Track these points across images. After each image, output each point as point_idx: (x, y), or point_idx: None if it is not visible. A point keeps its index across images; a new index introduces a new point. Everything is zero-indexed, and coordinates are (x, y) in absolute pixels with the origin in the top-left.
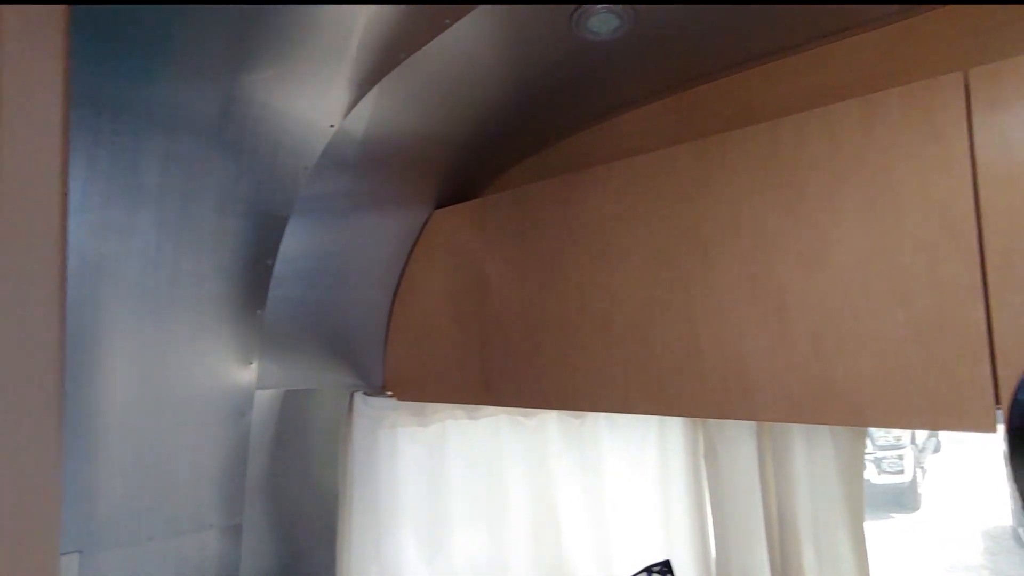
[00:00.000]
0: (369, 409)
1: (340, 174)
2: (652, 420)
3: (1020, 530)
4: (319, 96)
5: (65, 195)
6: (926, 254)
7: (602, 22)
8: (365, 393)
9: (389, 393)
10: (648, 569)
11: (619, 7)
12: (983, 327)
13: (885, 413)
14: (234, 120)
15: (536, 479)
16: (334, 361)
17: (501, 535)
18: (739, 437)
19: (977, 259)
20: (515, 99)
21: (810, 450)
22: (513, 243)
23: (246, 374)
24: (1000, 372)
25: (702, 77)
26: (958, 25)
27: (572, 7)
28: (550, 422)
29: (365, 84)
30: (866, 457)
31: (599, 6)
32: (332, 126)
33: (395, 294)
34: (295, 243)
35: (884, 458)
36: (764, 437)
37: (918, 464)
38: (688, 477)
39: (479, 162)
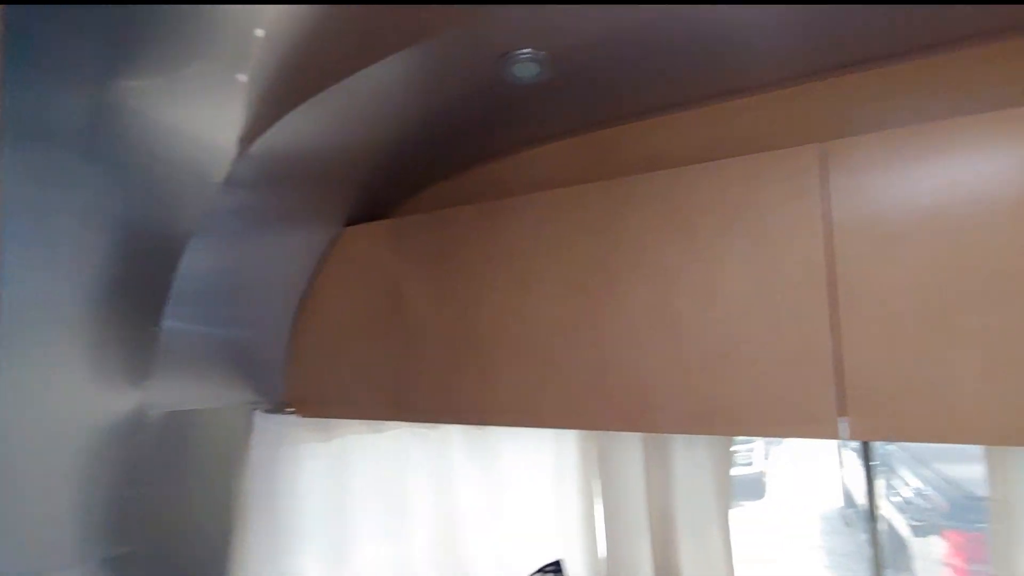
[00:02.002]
0: (270, 427)
1: (248, 191)
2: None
3: (847, 511)
4: (226, 112)
5: None
6: (792, 292)
7: (525, 69)
8: (266, 410)
9: (291, 410)
10: (542, 570)
11: (542, 54)
12: (833, 354)
13: (759, 424)
14: (111, 131)
15: (440, 489)
16: (234, 378)
17: (406, 546)
18: (628, 443)
19: (829, 298)
20: (434, 127)
21: (688, 452)
22: (430, 264)
23: (136, 395)
24: (846, 391)
25: (614, 121)
26: (822, 102)
27: (498, 53)
28: (454, 433)
29: (283, 106)
30: None
31: (523, 52)
32: (241, 143)
33: (300, 310)
34: (197, 259)
35: (737, 452)
36: (649, 442)
37: (765, 455)
38: (581, 481)
39: (393, 182)
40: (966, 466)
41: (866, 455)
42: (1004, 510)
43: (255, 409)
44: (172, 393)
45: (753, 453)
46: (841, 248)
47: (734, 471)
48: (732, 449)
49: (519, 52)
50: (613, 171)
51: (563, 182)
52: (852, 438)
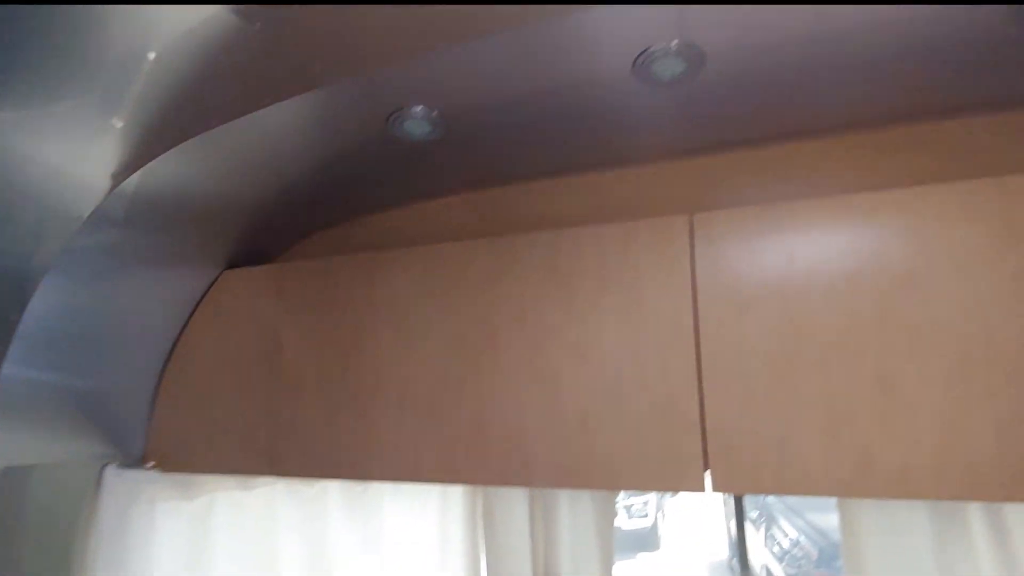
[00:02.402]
0: (123, 483)
1: (118, 229)
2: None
3: (732, 561)
4: (98, 146)
5: None
6: (662, 352)
7: (416, 126)
8: (120, 465)
9: (150, 464)
10: None
11: (434, 113)
12: (697, 410)
13: (633, 478)
14: None
15: (314, 551)
16: (85, 430)
17: None
18: (513, 498)
19: (694, 358)
20: (323, 176)
21: (572, 506)
22: (312, 312)
23: None
24: (708, 446)
25: (502, 181)
26: (692, 177)
27: (391, 109)
28: (331, 490)
29: (162, 143)
30: (618, 505)
31: (416, 108)
32: (114, 179)
33: (170, 356)
34: (51, 298)
35: (632, 505)
36: (535, 497)
37: (659, 508)
38: (466, 539)
39: (279, 227)
40: (832, 515)
41: (738, 507)
42: (856, 555)
43: (106, 464)
44: (8, 447)
45: (648, 506)
46: (704, 312)
47: (630, 524)
48: (628, 502)
49: (412, 109)
50: (499, 229)
51: (451, 236)
52: (715, 491)
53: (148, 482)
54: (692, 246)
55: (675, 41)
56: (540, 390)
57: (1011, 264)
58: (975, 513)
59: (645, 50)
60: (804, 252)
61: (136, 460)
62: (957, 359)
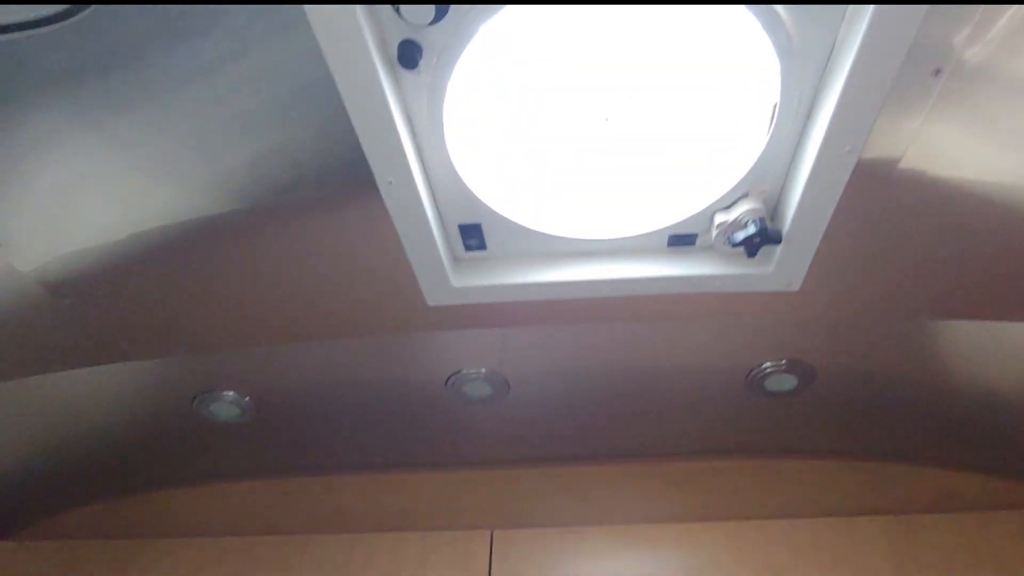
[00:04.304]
0: None
1: None
2: None
3: None
4: None
5: None
6: None
7: (223, 409)
8: None
9: None
10: None
11: (246, 399)
12: None
13: None
14: None
15: None
16: None
17: None
18: None
19: None
20: (107, 444)
21: None
22: None
23: None
24: None
25: (307, 471)
26: (493, 489)
27: (197, 391)
28: None
29: None
30: None
31: (226, 392)
32: None
33: None
34: None
35: None
36: None
37: None
38: None
39: (23, 500)
40: None
41: None
42: None
43: None
44: None
45: None
46: None
47: None
48: None
49: (222, 392)
50: (295, 524)
51: (242, 525)
52: None
53: None
54: (490, 563)
55: (483, 369)
56: None
57: None
58: None
59: (457, 372)
60: None
61: None
62: None
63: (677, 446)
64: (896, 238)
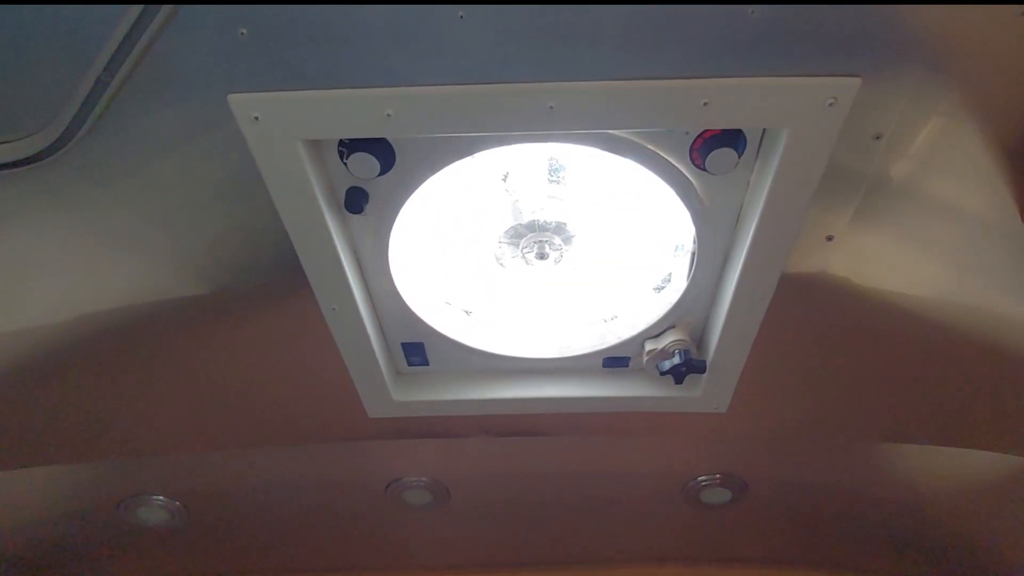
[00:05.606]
0: None
1: None
2: None
3: None
4: None
5: None
6: None
7: (151, 514)
8: None
9: None
10: None
11: (176, 504)
12: None
13: None
14: None
15: None
16: None
17: None
18: None
19: None
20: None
21: None
22: None
23: None
24: None
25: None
26: None
27: (123, 495)
28: None
29: None
30: None
31: (156, 497)
32: None
33: None
34: None
35: None
36: None
37: None
38: None
39: None
40: None
41: None
42: None
43: None
44: None
45: None
46: None
47: None
48: None
49: (151, 497)
50: None
51: None
52: None
53: None
54: None
55: (423, 477)
56: None
57: None
58: None
59: (397, 479)
60: None
61: None
62: None
63: (617, 553)
64: (824, 355)
